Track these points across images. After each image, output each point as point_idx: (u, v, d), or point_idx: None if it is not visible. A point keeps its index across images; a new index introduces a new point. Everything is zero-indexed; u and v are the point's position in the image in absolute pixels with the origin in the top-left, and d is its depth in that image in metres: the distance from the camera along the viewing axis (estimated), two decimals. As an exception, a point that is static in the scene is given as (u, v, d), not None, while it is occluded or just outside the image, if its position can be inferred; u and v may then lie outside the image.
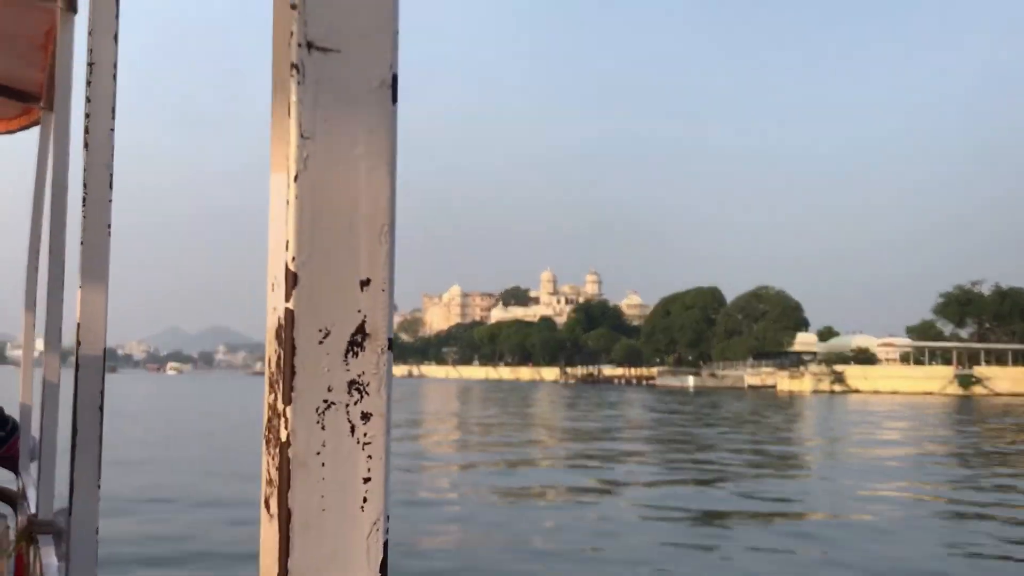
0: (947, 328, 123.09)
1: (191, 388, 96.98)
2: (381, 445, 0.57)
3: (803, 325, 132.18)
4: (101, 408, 2.08)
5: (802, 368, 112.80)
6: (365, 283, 0.57)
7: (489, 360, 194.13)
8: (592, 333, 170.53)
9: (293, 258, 0.55)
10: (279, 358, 0.56)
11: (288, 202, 0.56)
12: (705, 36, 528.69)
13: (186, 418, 39.47)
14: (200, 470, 19.19)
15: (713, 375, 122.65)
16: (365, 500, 0.57)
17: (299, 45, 0.56)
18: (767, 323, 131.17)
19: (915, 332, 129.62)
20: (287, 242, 0.56)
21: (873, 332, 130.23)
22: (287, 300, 0.55)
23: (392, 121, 0.58)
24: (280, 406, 0.55)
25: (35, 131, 4.56)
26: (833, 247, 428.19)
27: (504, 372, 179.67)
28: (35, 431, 3.79)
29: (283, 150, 0.56)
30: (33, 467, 3.92)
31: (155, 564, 10.32)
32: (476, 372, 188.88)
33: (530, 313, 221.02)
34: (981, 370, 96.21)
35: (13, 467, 3.87)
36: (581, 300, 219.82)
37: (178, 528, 12.41)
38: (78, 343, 2.06)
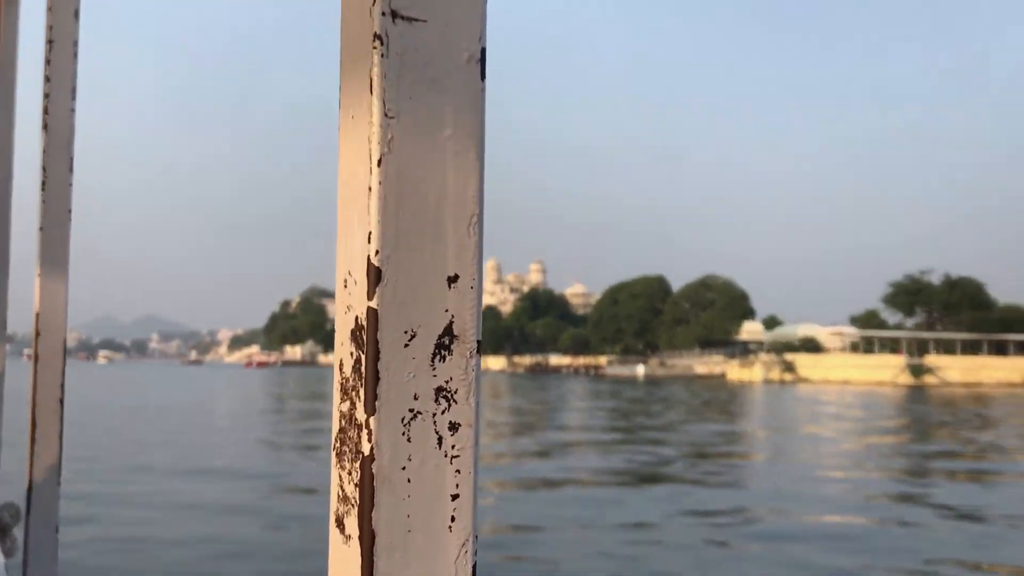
0: (892, 318, 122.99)
1: (120, 377, 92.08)
2: (470, 459, 0.53)
3: (749, 314, 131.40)
4: (62, 401, 2.00)
5: (752, 357, 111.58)
6: (453, 279, 0.52)
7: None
8: (539, 322, 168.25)
9: (377, 251, 0.50)
10: (357, 362, 0.51)
11: (370, 189, 0.51)
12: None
13: (106, 411, 35.89)
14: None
15: (663, 364, 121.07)
16: (453, 519, 0.52)
17: (383, 13, 0.50)
18: (714, 312, 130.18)
19: (859, 322, 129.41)
20: (369, 233, 0.51)
21: (817, 322, 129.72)
22: (369, 298, 0.50)
23: (481, 100, 0.53)
24: (360, 416, 0.51)
25: None
26: (777, 237, 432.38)
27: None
28: None
29: (362, 131, 0.51)
30: None
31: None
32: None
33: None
34: (932, 359, 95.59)
35: None
36: (526, 289, 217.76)
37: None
38: (37, 333, 1.97)
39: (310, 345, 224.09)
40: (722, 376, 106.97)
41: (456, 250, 0.52)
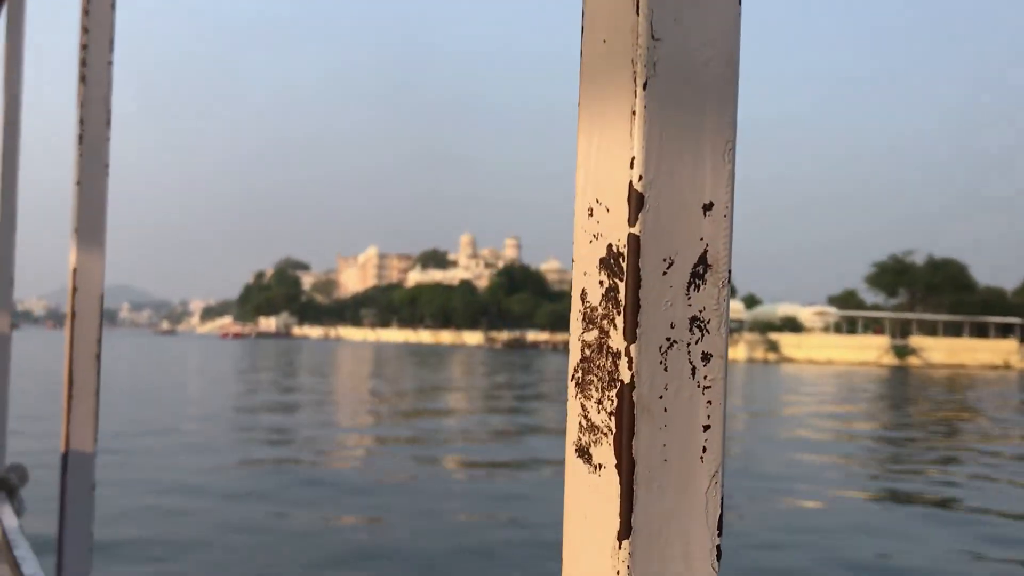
0: (871, 298, 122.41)
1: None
2: (720, 390, 0.52)
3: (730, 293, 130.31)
4: (98, 357, 2.01)
5: (735, 336, 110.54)
6: (708, 207, 0.51)
7: (408, 323, 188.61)
8: (515, 297, 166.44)
9: (640, 177, 0.49)
10: (611, 290, 0.50)
11: (634, 112, 0.49)
12: None
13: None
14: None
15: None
16: (704, 450, 0.51)
17: None
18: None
19: (838, 301, 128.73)
20: (632, 159, 0.49)
21: (796, 301, 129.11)
22: (631, 224, 0.49)
23: (739, 23, 0.52)
24: (617, 343, 0.49)
25: None
26: (753, 214, 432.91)
27: (424, 336, 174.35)
28: None
29: (622, 54, 0.49)
30: None
31: None
32: (395, 335, 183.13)
33: (449, 276, 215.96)
34: (916, 340, 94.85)
35: None
36: (500, 264, 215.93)
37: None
38: (74, 289, 1.97)
39: (284, 316, 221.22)
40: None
41: (712, 177, 0.51)
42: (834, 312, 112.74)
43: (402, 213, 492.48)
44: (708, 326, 0.51)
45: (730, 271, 0.52)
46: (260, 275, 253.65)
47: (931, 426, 26.12)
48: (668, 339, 0.50)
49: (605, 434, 0.49)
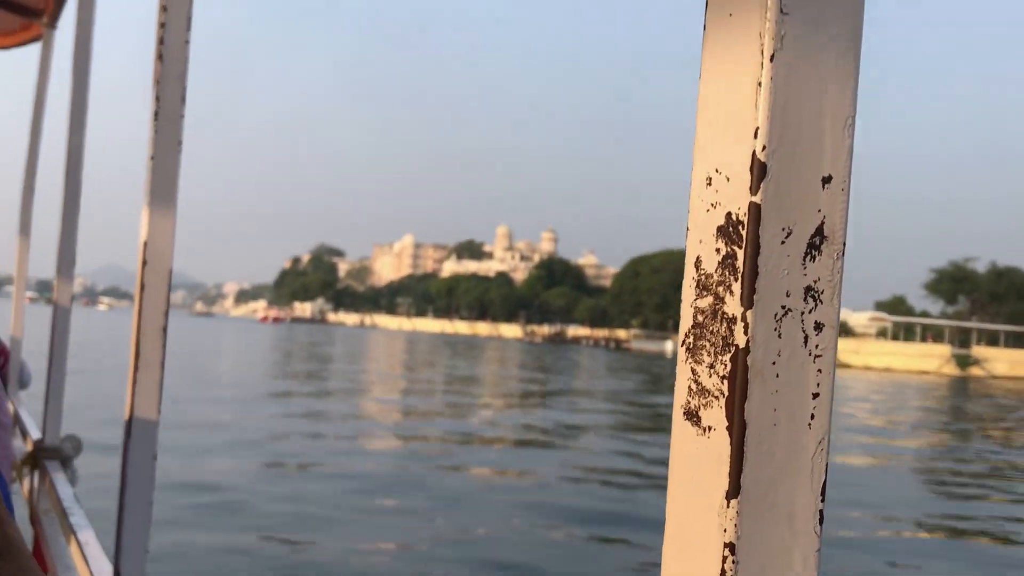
0: (922, 304, 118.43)
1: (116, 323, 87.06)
2: (830, 359, 0.52)
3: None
4: (164, 329, 2.05)
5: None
6: (827, 180, 0.52)
7: (444, 313, 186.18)
8: (554, 291, 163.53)
9: (763, 147, 0.49)
10: (728, 256, 0.50)
11: (760, 84, 0.50)
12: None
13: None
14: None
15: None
16: (813, 417, 0.52)
17: None
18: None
19: (885, 307, 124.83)
20: (756, 129, 0.49)
21: (844, 305, 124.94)
22: (752, 193, 0.49)
23: (863, 2, 0.52)
24: (734, 309, 0.50)
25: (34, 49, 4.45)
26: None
27: (460, 326, 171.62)
28: (24, 360, 3.99)
29: (751, 26, 0.50)
30: (23, 395, 4.07)
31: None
32: (431, 325, 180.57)
33: (484, 267, 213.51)
34: (979, 351, 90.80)
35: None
36: (536, 257, 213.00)
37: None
38: (144, 262, 2.02)
39: (320, 302, 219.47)
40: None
41: (832, 151, 0.52)
42: (889, 318, 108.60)
43: (438, 203, 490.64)
44: (822, 296, 0.52)
45: (845, 243, 0.53)
46: (296, 260, 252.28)
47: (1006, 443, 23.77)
48: (783, 307, 0.50)
49: (716, 397, 0.50)
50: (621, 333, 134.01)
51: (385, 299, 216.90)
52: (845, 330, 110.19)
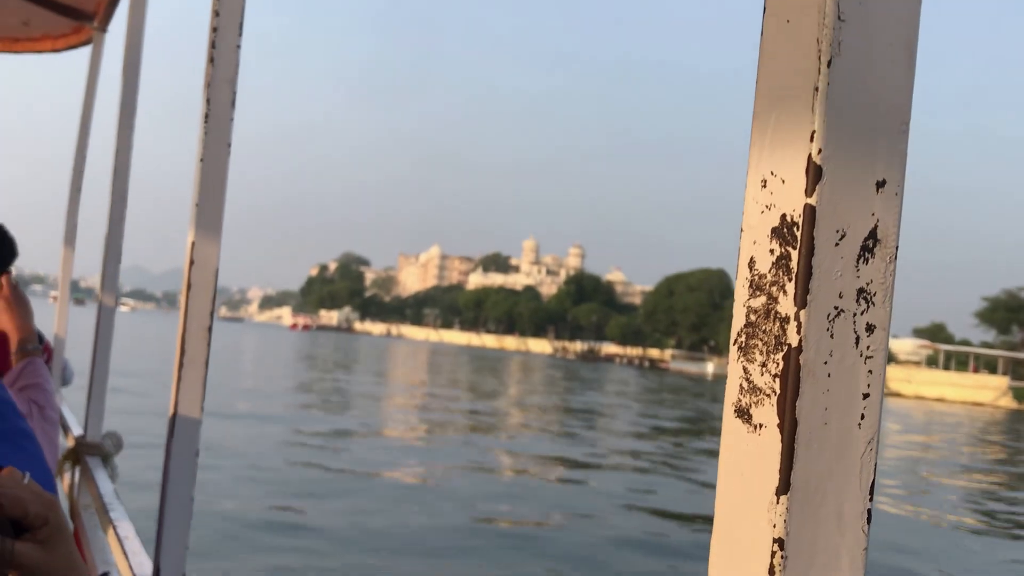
0: (961, 332, 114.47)
1: (139, 326, 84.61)
2: (881, 361, 0.52)
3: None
4: (210, 329, 2.08)
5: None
6: (881, 184, 0.52)
7: (471, 325, 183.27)
8: (583, 307, 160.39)
9: (820, 150, 0.50)
10: (783, 257, 0.51)
11: (817, 89, 0.50)
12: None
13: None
14: None
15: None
16: (863, 417, 0.52)
17: None
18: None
19: (924, 334, 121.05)
20: (812, 132, 0.50)
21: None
22: (808, 195, 0.50)
23: (918, 11, 0.53)
24: (787, 309, 0.50)
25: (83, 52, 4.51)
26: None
27: (488, 340, 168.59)
28: (67, 358, 4.10)
29: (807, 32, 0.51)
30: (65, 391, 4.15)
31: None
32: (457, 337, 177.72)
33: (510, 281, 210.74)
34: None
35: None
36: (563, 272, 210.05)
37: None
38: (191, 262, 2.05)
39: (347, 311, 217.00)
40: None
41: (887, 155, 0.52)
42: (942, 347, 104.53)
43: (465, 215, 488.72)
44: (874, 298, 0.52)
45: (898, 247, 0.53)
46: (323, 268, 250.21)
47: None
48: (836, 308, 0.51)
49: (768, 395, 0.51)
50: (655, 352, 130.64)
51: (411, 309, 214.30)
52: (890, 358, 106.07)
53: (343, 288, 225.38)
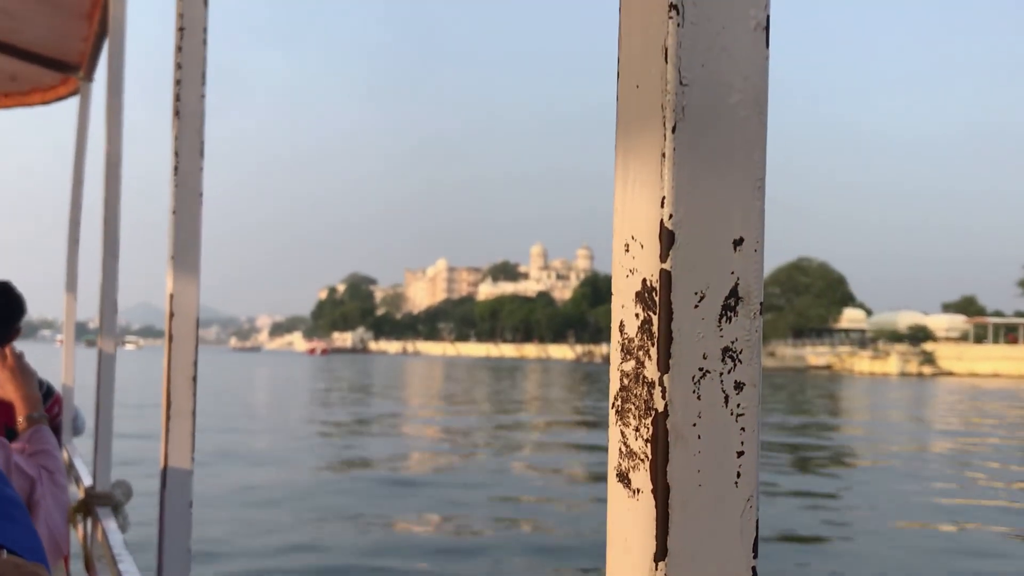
0: (993, 304, 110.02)
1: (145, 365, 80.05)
2: (754, 417, 0.52)
3: (849, 300, 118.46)
4: (194, 379, 2.08)
5: (881, 345, 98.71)
6: (738, 242, 0.51)
7: (488, 336, 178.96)
8: (601, 308, 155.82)
9: (670, 215, 0.49)
10: (646, 322, 0.50)
11: (664, 155, 0.49)
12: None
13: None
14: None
15: (772, 354, 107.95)
16: (739, 475, 0.51)
17: None
18: (809, 298, 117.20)
19: (955, 308, 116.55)
20: (663, 198, 0.49)
21: (907, 308, 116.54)
22: (662, 261, 0.49)
23: (766, 67, 0.52)
24: (652, 374, 0.50)
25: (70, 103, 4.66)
26: (846, 218, 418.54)
27: (507, 349, 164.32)
28: (77, 407, 4.10)
29: (652, 99, 0.50)
30: (76, 441, 4.15)
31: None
32: (475, 349, 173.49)
33: (521, 288, 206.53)
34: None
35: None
36: (573, 275, 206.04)
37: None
38: (171, 314, 2.06)
39: (360, 332, 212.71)
40: (829, 368, 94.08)
41: (742, 213, 0.51)
42: (990, 320, 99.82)
43: (468, 225, 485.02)
44: (741, 356, 0.51)
45: (762, 303, 0.52)
46: (332, 290, 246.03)
47: None
48: (701, 369, 0.50)
49: (642, 460, 0.50)
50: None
51: (423, 325, 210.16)
52: (924, 335, 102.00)
53: (354, 309, 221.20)
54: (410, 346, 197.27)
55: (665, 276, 0.49)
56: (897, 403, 41.23)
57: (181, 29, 2.04)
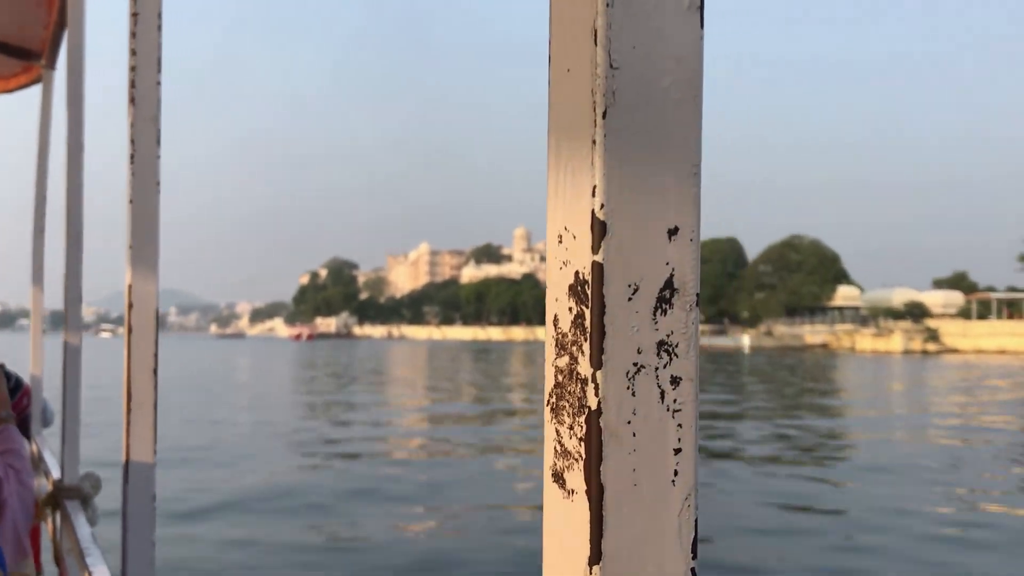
0: (984, 279, 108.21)
1: (120, 353, 76.65)
2: (691, 413, 0.49)
3: (842, 277, 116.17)
4: (155, 371, 2.05)
5: (883, 323, 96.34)
6: (673, 232, 0.49)
7: (474, 320, 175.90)
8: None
9: (602, 205, 0.47)
10: (579, 317, 0.47)
11: (595, 142, 0.47)
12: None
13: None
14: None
15: (769, 333, 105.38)
16: (676, 473, 0.49)
17: None
18: (802, 276, 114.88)
19: (947, 284, 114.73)
20: (594, 187, 0.47)
21: (897, 285, 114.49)
22: (594, 252, 0.47)
23: (700, 49, 0.49)
24: (585, 370, 0.47)
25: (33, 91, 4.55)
26: (845, 198, 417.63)
27: (494, 332, 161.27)
28: (46, 399, 4.06)
29: (583, 84, 0.48)
30: (46, 433, 4.09)
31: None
32: (461, 332, 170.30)
33: (504, 271, 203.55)
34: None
35: (24, 431, 3.59)
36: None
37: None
38: (130, 305, 2.02)
39: (344, 317, 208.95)
40: (825, 346, 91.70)
41: (677, 201, 0.49)
42: (991, 295, 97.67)
43: (450, 208, 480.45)
44: (676, 350, 0.49)
45: (698, 294, 0.50)
46: (314, 276, 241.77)
47: None
48: (635, 364, 0.48)
49: (576, 460, 0.48)
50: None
51: (408, 309, 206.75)
52: (920, 311, 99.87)
53: (336, 294, 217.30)
54: (395, 331, 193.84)
55: (597, 268, 0.47)
56: (931, 383, 38.47)
57: (135, 14, 1.99)
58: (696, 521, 0.50)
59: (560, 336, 0.49)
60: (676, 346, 0.49)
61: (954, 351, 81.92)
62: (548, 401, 0.50)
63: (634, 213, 0.47)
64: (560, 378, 0.49)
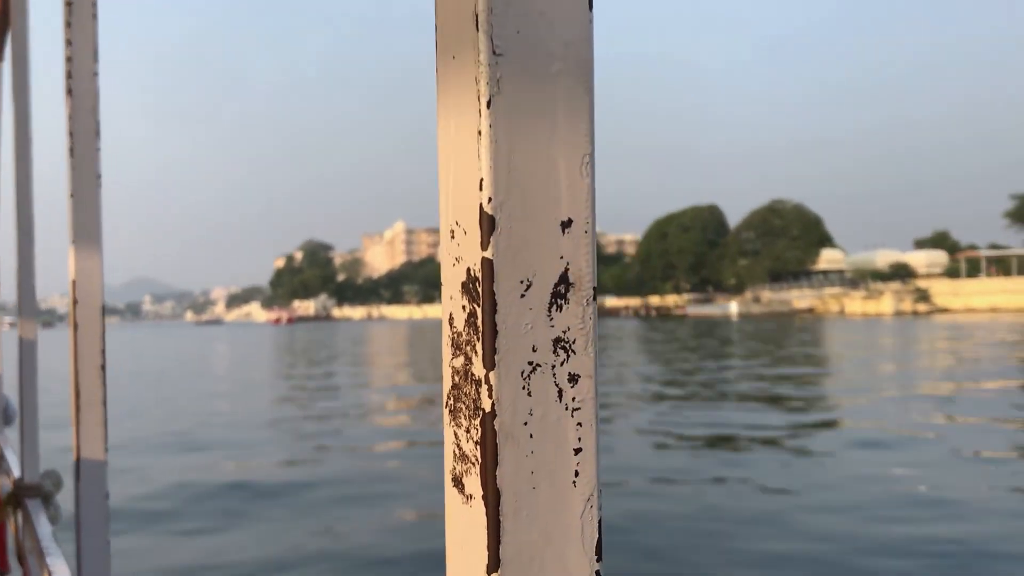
0: (967, 237, 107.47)
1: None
2: (591, 411, 0.48)
3: (826, 241, 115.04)
4: (103, 367, 2.00)
5: (873, 284, 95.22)
6: (566, 224, 0.47)
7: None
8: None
9: (489, 199, 0.45)
10: (471, 315, 0.46)
11: (480, 132, 0.45)
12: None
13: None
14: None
15: (757, 300, 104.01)
16: (577, 474, 0.48)
17: None
18: (786, 241, 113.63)
19: (928, 244, 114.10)
20: (480, 180, 0.45)
21: (877, 247, 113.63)
22: (483, 248, 0.45)
23: (590, 32, 0.47)
24: (478, 371, 0.45)
25: None
26: (815, 160, 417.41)
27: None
28: (8, 396, 3.93)
29: (467, 71, 0.45)
30: (8, 431, 3.98)
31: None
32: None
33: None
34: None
35: None
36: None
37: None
38: (74, 301, 1.97)
39: (323, 299, 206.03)
40: (812, 311, 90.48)
41: (569, 193, 0.47)
42: (985, 253, 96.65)
43: (424, 185, 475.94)
44: (574, 346, 0.47)
45: (595, 288, 0.48)
46: (290, 258, 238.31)
47: None
48: (531, 363, 0.46)
49: (473, 464, 0.46)
50: (655, 299, 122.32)
51: (386, 289, 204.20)
52: (906, 272, 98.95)
53: (313, 276, 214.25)
54: (375, 311, 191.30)
55: (487, 265, 0.45)
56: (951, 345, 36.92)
57: (69, 3, 1.92)
58: (600, 522, 0.48)
59: (455, 335, 0.47)
60: (573, 342, 0.47)
61: (945, 311, 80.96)
62: (446, 403, 0.49)
63: (524, 206, 0.46)
64: (456, 379, 0.48)
